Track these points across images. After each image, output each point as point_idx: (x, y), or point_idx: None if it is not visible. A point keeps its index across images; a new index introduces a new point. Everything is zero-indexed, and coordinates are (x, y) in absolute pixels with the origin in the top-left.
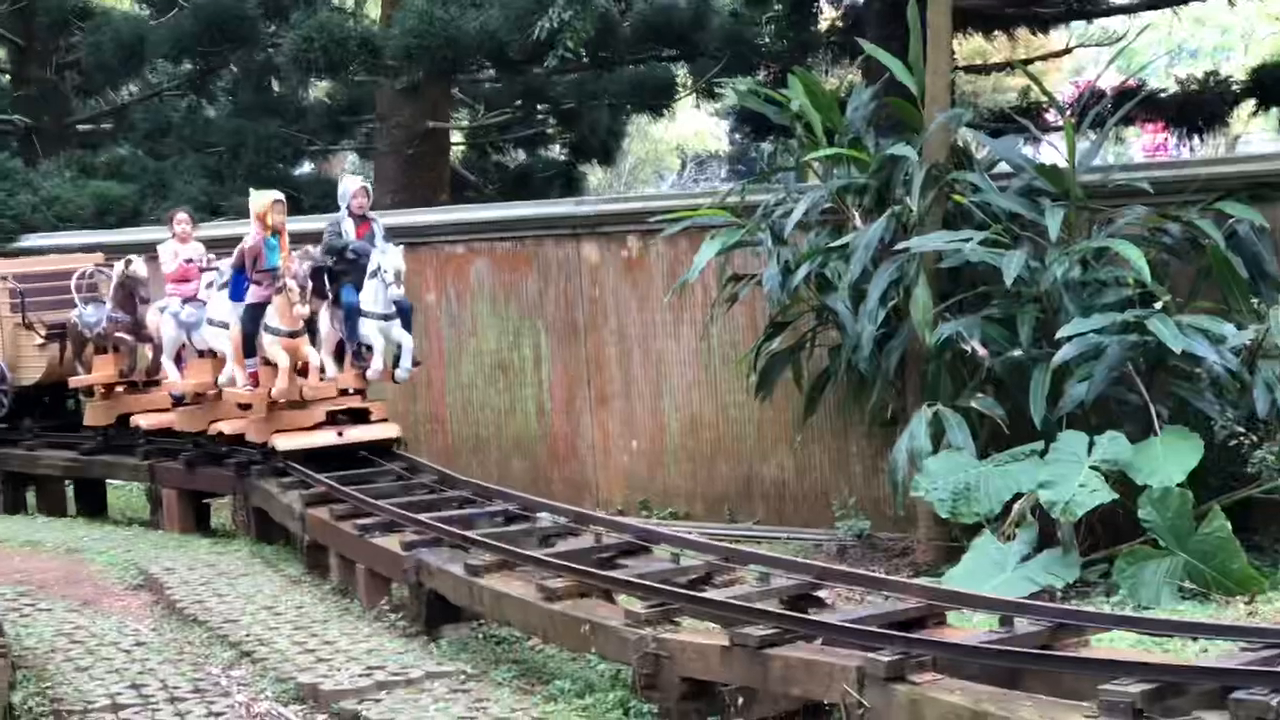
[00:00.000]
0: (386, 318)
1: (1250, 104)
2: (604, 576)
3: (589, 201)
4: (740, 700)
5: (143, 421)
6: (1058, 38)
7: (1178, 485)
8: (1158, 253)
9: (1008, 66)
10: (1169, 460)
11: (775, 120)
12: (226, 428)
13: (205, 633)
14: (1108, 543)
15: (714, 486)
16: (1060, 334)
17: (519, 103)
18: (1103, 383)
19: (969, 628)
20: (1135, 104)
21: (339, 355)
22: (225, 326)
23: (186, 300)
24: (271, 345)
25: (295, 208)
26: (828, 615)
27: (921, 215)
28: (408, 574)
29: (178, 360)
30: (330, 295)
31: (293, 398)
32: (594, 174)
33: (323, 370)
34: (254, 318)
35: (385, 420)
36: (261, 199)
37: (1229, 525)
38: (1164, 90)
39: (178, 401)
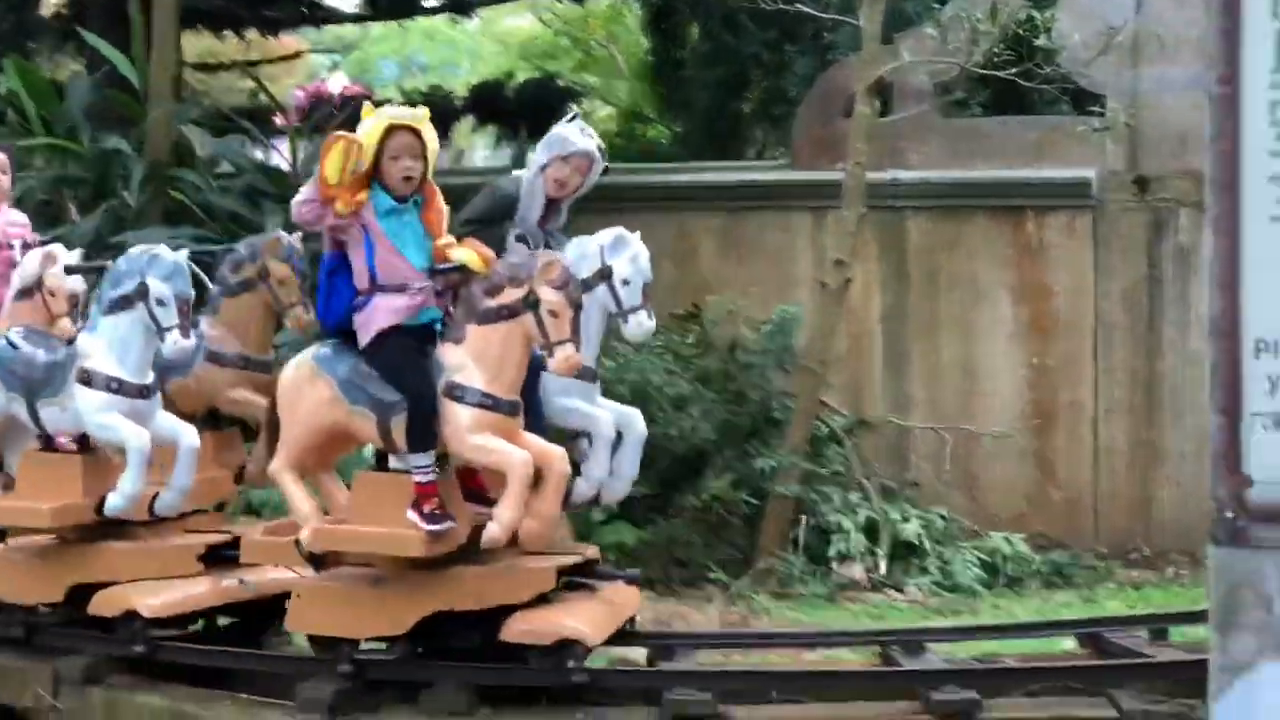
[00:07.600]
0: (594, 378)
1: (471, 119)
2: None
3: None
4: None
5: None
6: (292, 42)
7: None
8: None
9: (236, 67)
10: None
11: None
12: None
13: None
14: None
15: None
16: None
17: None
18: None
19: None
20: (357, 111)
21: None
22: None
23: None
24: (477, 426)
25: None
26: None
27: (140, 210)
28: None
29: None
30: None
31: (543, 544)
32: None
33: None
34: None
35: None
36: (377, 121)
37: None
38: (390, 101)
39: None
